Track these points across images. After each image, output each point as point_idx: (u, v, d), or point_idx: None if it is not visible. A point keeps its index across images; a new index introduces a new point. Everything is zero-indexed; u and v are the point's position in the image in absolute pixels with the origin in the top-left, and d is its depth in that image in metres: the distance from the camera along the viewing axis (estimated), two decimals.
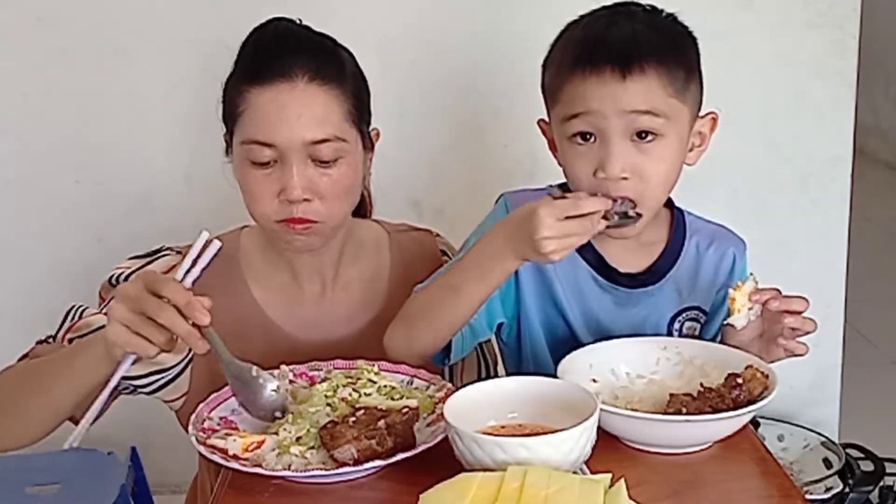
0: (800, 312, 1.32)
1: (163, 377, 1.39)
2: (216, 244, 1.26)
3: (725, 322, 1.36)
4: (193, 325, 1.19)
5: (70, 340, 1.41)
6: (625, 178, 1.32)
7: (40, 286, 2.37)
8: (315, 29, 1.47)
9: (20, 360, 1.43)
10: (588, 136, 1.34)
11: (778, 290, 1.33)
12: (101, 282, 1.50)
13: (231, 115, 1.42)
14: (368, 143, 1.49)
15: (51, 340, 1.44)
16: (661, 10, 1.42)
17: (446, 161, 2.37)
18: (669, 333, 1.47)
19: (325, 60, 1.42)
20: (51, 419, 1.33)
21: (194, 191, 2.31)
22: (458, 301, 1.33)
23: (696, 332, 1.49)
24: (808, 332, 1.33)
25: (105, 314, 1.41)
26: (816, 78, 2.39)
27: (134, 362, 1.24)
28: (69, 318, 1.44)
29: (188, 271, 1.25)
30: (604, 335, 1.42)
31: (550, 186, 1.48)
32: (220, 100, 1.45)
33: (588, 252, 1.44)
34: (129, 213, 2.34)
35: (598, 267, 1.45)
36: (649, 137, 1.33)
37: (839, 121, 2.43)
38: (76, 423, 1.28)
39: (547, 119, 1.44)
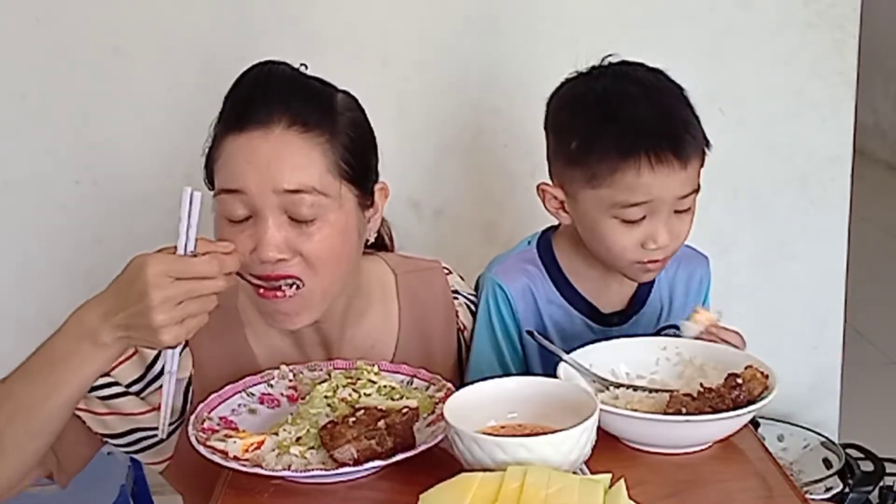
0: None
1: (146, 437, 1.36)
2: (198, 194, 1.17)
3: (680, 322, 1.42)
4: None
5: None
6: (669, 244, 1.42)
7: (40, 286, 2.37)
8: (311, 74, 1.36)
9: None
10: (640, 219, 1.40)
11: (739, 334, 1.40)
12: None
13: (210, 167, 1.32)
14: (369, 201, 1.35)
15: None
16: (657, 70, 1.44)
17: (446, 161, 2.37)
18: None
19: (310, 105, 1.29)
20: (36, 454, 1.23)
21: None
22: None
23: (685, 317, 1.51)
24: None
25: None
26: (816, 78, 2.39)
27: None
28: None
29: (187, 236, 1.17)
30: None
31: (526, 248, 1.55)
32: (205, 149, 1.36)
33: (580, 303, 1.51)
34: (129, 213, 2.34)
35: (590, 315, 1.52)
36: (687, 207, 1.42)
37: (839, 121, 2.43)
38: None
39: (554, 182, 1.47)
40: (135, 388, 1.34)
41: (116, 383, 1.33)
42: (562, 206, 1.47)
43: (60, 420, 1.22)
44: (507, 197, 2.38)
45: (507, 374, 1.44)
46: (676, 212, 1.41)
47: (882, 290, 3.92)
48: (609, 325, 1.52)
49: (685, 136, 1.38)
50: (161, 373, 1.32)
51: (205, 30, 2.23)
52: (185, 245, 1.17)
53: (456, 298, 1.53)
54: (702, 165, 1.42)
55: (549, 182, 1.48)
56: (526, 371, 1.50)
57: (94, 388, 1.28)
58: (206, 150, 1.34)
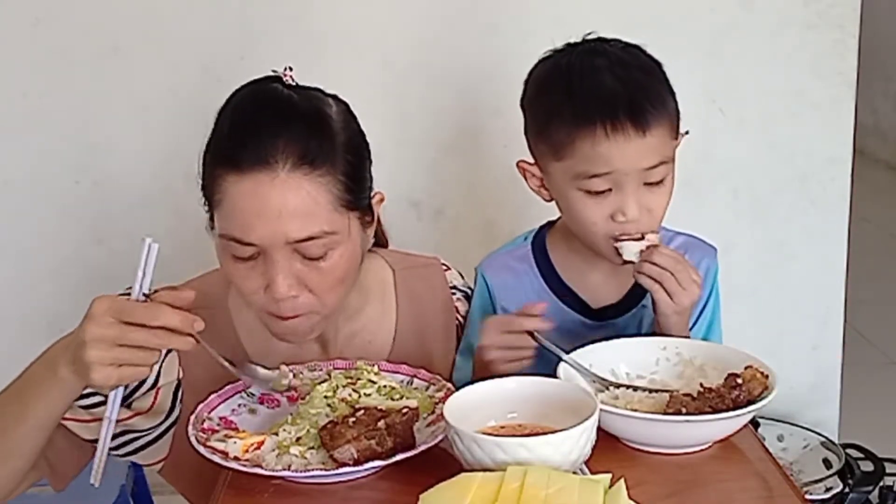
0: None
1: (137, 439, 1.37)
2: (155, 246, 1.18)
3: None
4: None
5: None
6: (640, 218, 1.39)
7: (40, 286, 2.37)
8: (302, 86, 1.32)
9: None
10: (606, 191, 1.38)
11: (684, 263, 1.37)
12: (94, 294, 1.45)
13: (209, 197, 1.29)
14: (368, 216, 1.35)
15: None
16: (633, 45, 1.43)
17: (446, 161, 2.37)
18: None
19: (313, 139, 1.25)
20: (16, 467, 1.26)
21: (194, 191, 2.29)
22: None
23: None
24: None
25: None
26: (816, 78, 2.39)
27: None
28: None
29: (141, 284, 1.17)
30: None
31: (522, 242, 1.55)
32: (199, 170, 1.32)
33: (571, 298, 1.50)
34: (129, 213, 2.34)
35: (582, 310, 1.51)
36: (658, 180, 1.39)
37: (839, 121, 2.43)
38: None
39: (532, 161, 1.47)
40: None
41: (97, 393, 1.30)
42: (542, 184, 1.47)
43: (33, 441, 1.24)
44: (507, 197, 2.38)
45: None
46: (647, 184, 1.38)
47: (882, 290, 3.92)
48: (603, 318, 1.51)
49: (644, 105, 1.35)
50: (144, 381, 1.33)
51: (205, 30, 2.23)
52: (139, 291, 1.17)
53: (454, 294, 1.53)
54: (674, 138, 1.40)
55: (527, 161, 1.48)
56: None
57: (78, 398, 1.26)
58: (202, 175, 1.31)
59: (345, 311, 1.41)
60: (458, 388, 1.21)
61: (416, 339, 1.47)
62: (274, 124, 1.24)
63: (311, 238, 1.24)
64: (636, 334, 1.46)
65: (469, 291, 1.56)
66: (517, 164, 1.49)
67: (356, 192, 1.30)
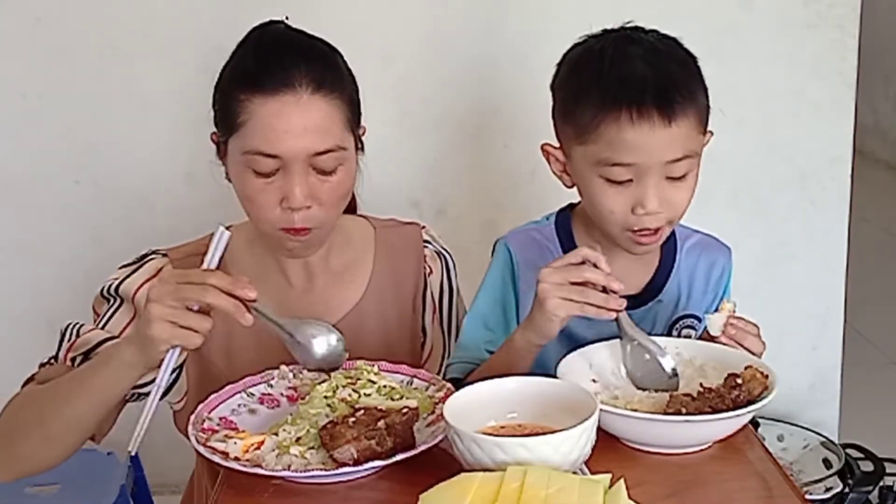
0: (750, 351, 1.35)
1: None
2: (227, 233, 1.31)
3: (707, 315, 1.38)
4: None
5: (72, 360, 1.43)
6: (660, 211, 1.38)
7: (40, 286, 2.37)
8: (310, 33, 1.47)
9: (26, 383, 1.45)
10: (627, 181, 1.37)
11: (756, 325, 1.36)
12: (94, 294, 1.50)
13: (229, 122, 1.41)
14: (359, 143, 1.50)
15: (53, 361, 1.46)
16: (670, 37, 1.43)
17: (446, 161, 2.37)
18: None
19: (327, 68, 1.42)
20: (76, 438, 1.37)
21: (194, 191, 2.31)
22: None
23: (711, 309, 1.49)
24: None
25: (102, 328, 1.46)
26: (816, 78, 2.39)
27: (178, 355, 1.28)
28: (67, 336, 1.45)
29: (209, 264, 1.31)
30: None
31: (546, 221, 1.53)
32: (213, 103, 1.44)
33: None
34: (129, 213, 2.34)
35: None
36: (681, 175, 1.38)
37: (839, 121, 2.43)
38: (94, 440, 1.40)
39: (557, 144, 1.45)
40: None
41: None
42: (564, 169, 1.46)
43: (93, 417, 1.35)
44: (508, 196, 2.38)
45: (490, 340, 1.47)
46: (670, 178, 1.37)
47: (882, 290, 3.92)
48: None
49: (673, 94, 1.34)
50: None
51: (204, 30, 2.23)
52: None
53: (426, 247, 1.62)
54: (702, 133, 1.39)
55: (552, 144, 1.47)
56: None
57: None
58: (220, 105, 1.43)
59: (331, 249, 1.54)
60: (460, 353, 1.34)
61: (391, 286, 1.59)
62: (295, 53, 1.41)
63: (328, 151, 1.40)
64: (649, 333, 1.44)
65: (443, 249, 1.63)
66: (541, 147, 1.47)
67: (357, 116, 1.48)
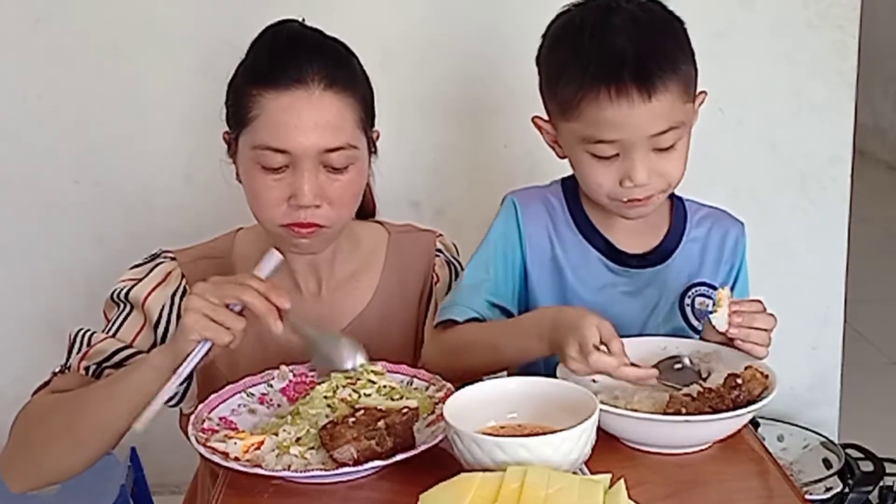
0: (763, 329, 1.34)
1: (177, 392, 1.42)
2: (278, 255, 1.35)
3: (708, 316, 1.37)
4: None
5: (86, 369, 1.43)
6: (648, 183, 1.37)
7: (40, 286, 2.37)
8: (326, 33, 1.47)
9: (37, 390, 1.45)
10: (613, 156, 1.37)
11: (758, 301, 1.36)
12: (94, 294, 1.51)
13: (240, 117, 1.41)
14: (373, 146, 1.50)
15: (66, 370, 1.45)
16: (653, 1, 1.41)
17: (446, 161, 2.37)
18: (682, 310, 1.49)
19: (340, 67, 1.42)
20: (103, 445, 1.38)
21: (194, 191, 2.31)
22: (497, 358, 1.40)
23: (709, 308, 1.49)
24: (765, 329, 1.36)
25: (113, 336, 1.46)
26: (816, 78, 2.39)
27: (206, 353, 1.29)
28: (77, 345, 1.45)
29: (258, 273, 1.34)
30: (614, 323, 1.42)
31: (554, 183, 1.53)
32: (225, 100, 1.45)
33: (596, 238, 1.48)
34: (129, 213, 2.34)
35: (607, 252, 1.48)
36: (669, 146, 1.37)
37: (839, 121, 2.42)
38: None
39: (546, 117, 1.45)
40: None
41: (140, 352, 1.44)
42: (556, 141, 1.45)
43: (123, 421, 1.33)
44: None
45: (485, 300, 1.46)
46: (658, 150, 1.36)
47: (882, 290, 3.92)
48: (627, 265, 1.48)
49: (652, 68, 1.32)
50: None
51: (205, 30, 2.23)
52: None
53: (438, 256, 1.61)
54: (688, 101, 1.37)
55: (541, 116, 1.47)
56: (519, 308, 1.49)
57: (120, 363, 1.43)
58: (232, 101, 1.43)
59: (340, 254, 1.54)
60: (460, 295, 1.39)
61: (398, 292, 1.58)
62: (309, 50, 1.41)
63: (338, 148, 1.39)
64: (641, 334, 1.44)
65: (455, 260, 1.62)
66: (532, 119, 1.47)
67: (371, 118, 1.48)
